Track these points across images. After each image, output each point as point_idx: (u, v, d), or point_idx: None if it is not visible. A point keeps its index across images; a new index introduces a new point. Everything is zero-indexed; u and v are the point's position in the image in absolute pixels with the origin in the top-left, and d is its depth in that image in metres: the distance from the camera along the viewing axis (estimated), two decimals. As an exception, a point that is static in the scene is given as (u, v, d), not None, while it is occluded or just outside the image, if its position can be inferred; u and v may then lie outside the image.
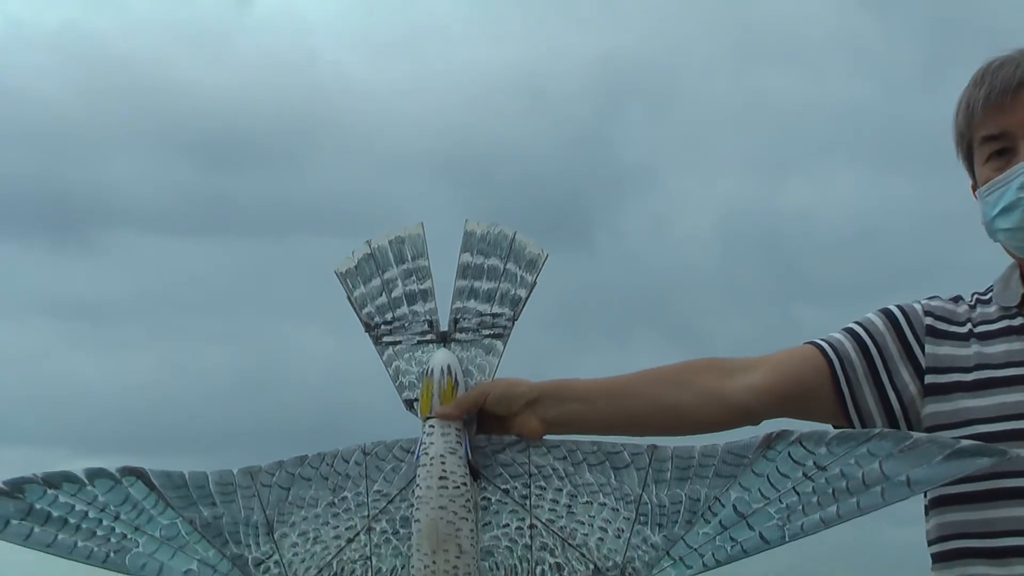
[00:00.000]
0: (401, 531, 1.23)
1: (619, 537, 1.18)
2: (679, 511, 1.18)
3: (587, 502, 1.21)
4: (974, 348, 1.26)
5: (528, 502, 1.22)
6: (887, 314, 1.30)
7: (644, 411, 1.28)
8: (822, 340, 1.31)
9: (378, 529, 1.24)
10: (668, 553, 1.16)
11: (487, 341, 1.35)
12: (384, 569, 1.22)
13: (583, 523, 1.20)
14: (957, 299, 1.33)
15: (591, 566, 1.18)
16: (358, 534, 1.24)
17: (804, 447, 1.17)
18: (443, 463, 1.21)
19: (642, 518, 1.19)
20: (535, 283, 1.38)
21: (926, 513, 1.28)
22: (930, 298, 1.33)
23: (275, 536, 1.26)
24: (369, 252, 1.42)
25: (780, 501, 1.15)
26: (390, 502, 1.25)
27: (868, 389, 1.28)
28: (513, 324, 1.36)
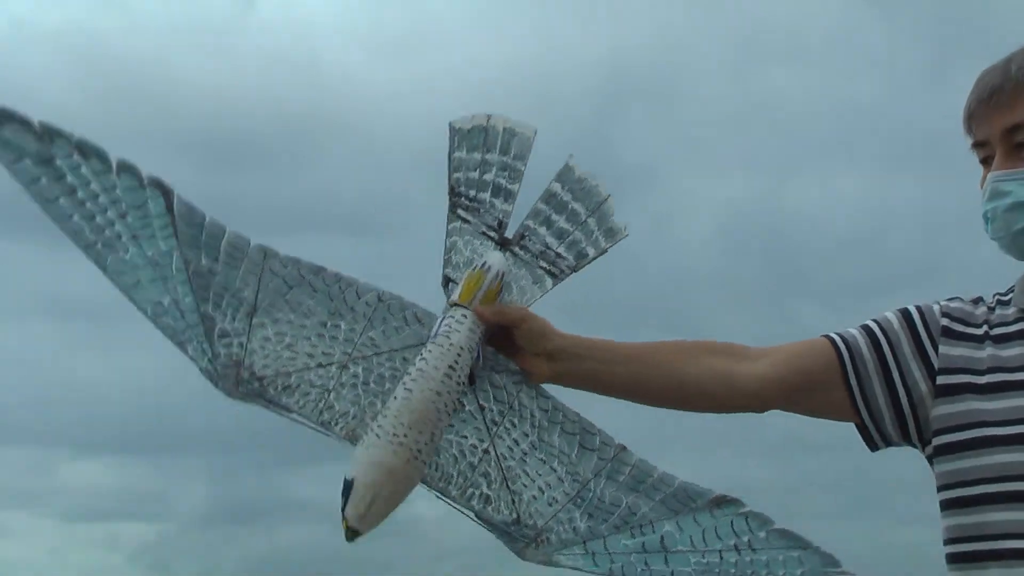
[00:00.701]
0: (371, 385, 1.20)
1: (551, 505, 1.19)
2: (613, 514, 1.19)
3: (542, 460, 1.21)
4: (988, 351, 1.25)
5: (494, 430, 1.22)
6: (904, 313, 1.30)
7: (655, 379, 1.29)
8: (835, 334, 1.30)
9: (351, 371, 1.21)
10: (585, 543, 1.17)
11: (539, 272, 1.33)
12: (336, 408, 1.19)
13: (528, 475, 1.20)
14: (977, 300, 1.32)
15: (514, 515, 1.17)
16: (330, 365, 1.21)
17: (748, 523, 1.19)
18: (459, 355, 1.19)
19: (579, 501, 1.19)
20: (605, 251, 1.37)
21: (943, 512, 1.27)
22: (950, 299, 1.32)
23: (253, 320, 1.21)
24: (484, 126, 1.38)
25: (703, 556, 1.16)
26: (376, 355, 1.22)
27: (878, 385, 1.27)
28: (570, 274, 1.35)
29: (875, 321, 1.30)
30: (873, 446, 1.29)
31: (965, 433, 1.21)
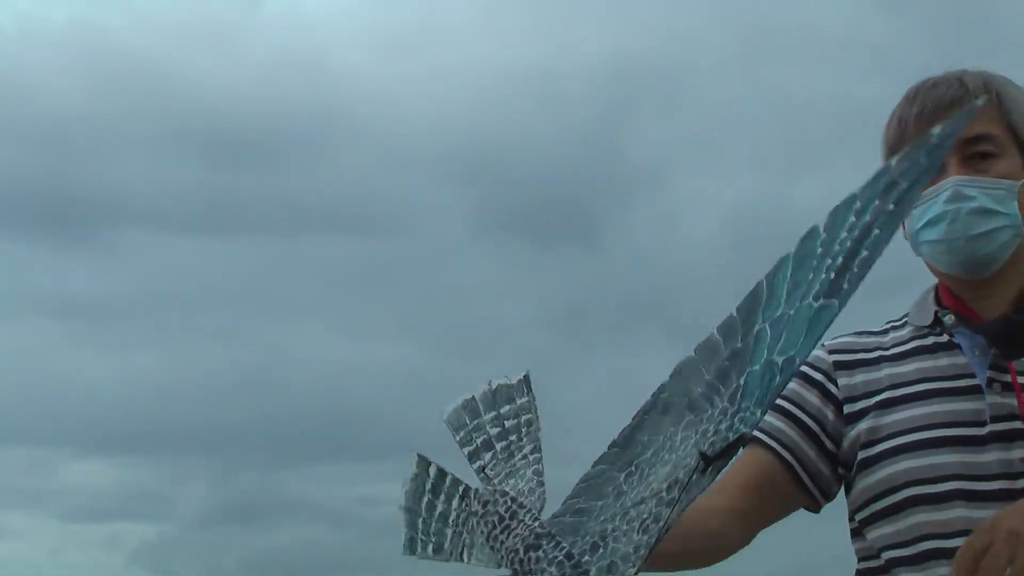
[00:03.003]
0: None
1: None
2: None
3: None
4: (885, 371, 1.32)
5: None
6: (799, 375, 1.36)
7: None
8: (758, 432, 1.34)
9: None
10: None
11: None
12: None
13: None
14: (861, 332, 1.39)
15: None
16: None
17: None
18: None
19: None
20: None
21: (853, 537, 1.34)
22: (833, 337, 1.39)
23: None
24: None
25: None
26: None
27: (808, 447, 1.32)
28: None
29: (783, 397, 1.36)
30: (818, 507, 1.35)
31: (879, 446, 1.28)
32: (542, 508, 1.05)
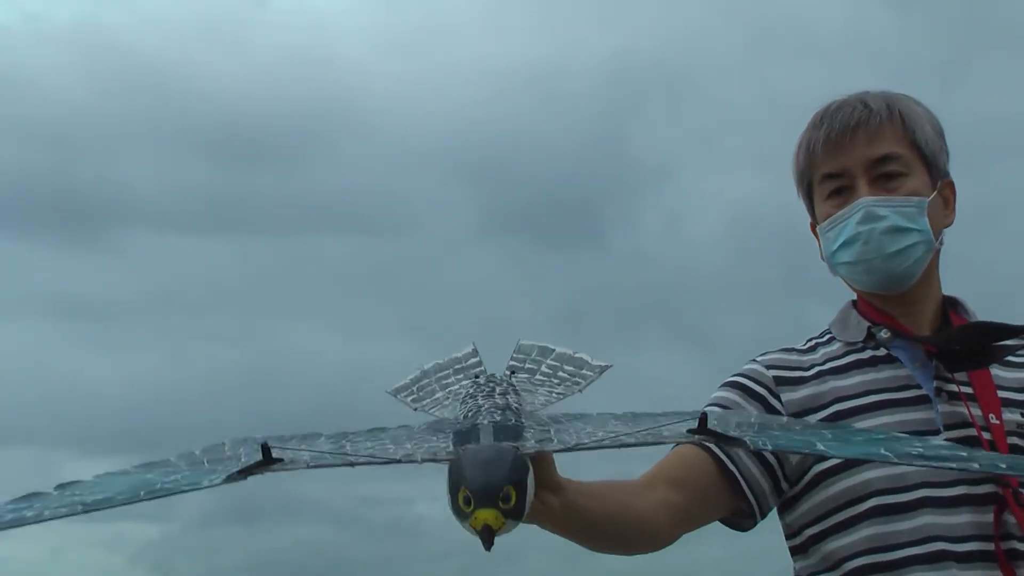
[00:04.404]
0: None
1: None
2: None
3: None
4: (829, 384, 1.32)
5: None
6: (734, 384, 1.35)
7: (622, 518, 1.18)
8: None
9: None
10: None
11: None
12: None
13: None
14: (789, 349, 1.39)
15: None
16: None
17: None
18: None
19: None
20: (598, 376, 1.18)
21: (795, 554, 1.33)
22: (763, 354, 1.38)
23: None
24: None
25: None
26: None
27: (747, 457, 1.29)
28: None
29: (714, 404, 1.34)
30: (751, 524, 1.32)
31: (831, 460, 1.27)
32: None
